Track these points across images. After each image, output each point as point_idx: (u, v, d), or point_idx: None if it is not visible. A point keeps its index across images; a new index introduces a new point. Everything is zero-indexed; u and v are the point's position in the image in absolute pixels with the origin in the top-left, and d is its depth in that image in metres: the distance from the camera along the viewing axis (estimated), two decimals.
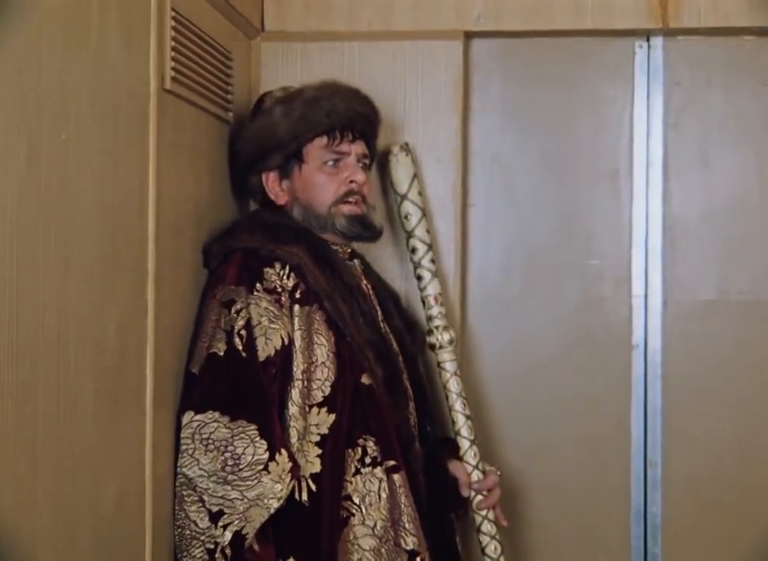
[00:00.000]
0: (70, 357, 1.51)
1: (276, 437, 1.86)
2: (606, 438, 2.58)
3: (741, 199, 2.56)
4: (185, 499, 1.86)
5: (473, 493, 2.22)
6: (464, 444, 2.25)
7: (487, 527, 2.24)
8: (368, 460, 1.97)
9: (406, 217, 2.33)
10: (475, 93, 2.60)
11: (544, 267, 2.61)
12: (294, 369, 1.94)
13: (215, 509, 1.82)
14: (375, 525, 1.95)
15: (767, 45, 2.55)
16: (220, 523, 1.81)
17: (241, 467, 1.82)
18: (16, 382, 1.35)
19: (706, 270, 2.57)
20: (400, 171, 2.35)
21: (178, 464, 1.87)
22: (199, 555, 1.83)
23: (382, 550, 1.95)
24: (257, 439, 1.84)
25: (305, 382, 1.95)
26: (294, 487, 1.88)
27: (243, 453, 1.83)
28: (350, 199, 2.10)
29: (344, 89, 2.13)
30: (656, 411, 2.57)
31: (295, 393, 1.93)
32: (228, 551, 1.81)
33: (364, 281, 2.19)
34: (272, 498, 1.82)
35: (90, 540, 1.59)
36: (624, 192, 2.59)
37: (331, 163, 2.09)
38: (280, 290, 1.95)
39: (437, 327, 2.30)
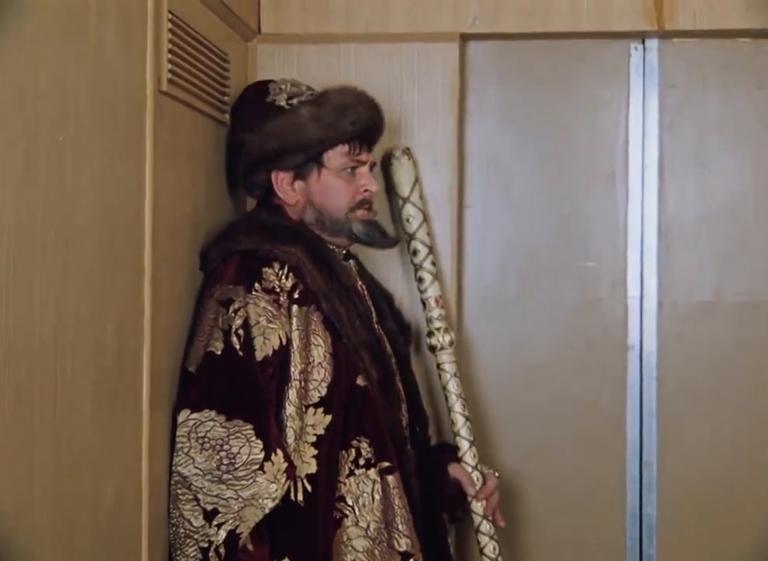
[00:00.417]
0: (67, 358, 1.51)
1: (272, 437, 1.86)
2: (602, 439, 2.59)
3: (736, 201, 2.57)
4: (180, 497, 1.86)
5: (472, 497, 2.23)
6: (464, 445, 2.27)
7: (485, 527, 2.25)
8: (361, 461, 1.97)
9: (407, 220, 2.35)
10: (471, 95, 2.60)
11: (541, 269, 2.62)
12: (292, 369, 1.94)
13: (209, 508, 1.82)
14: (369, 526, 1.95)
15: (763, 47, 2.55)
16: (215, 522, 1.82)
17: (236, 466, 1.83)
18: (13, 383, 1.35)
19: (701, 272, 2.58)
20: (402, 175, 2.37)
21: (173, 463, 1.87)
22: (192, 554, 1.83)
23: (376, 551, 1.95)
24: (253, 438, 1.84)
25: (302, 383, 1.95)
26: (289, 487, 1.88)
27: (239, 453, 1.83)
28: (364, 207, 2.14)
29: (366, 98, 2.14)
30: (651, 412, 2.57)
31: (292, 394, 1.93)
32: (222, 550, 1.81)
33: (359, 282, 2.19)
34: (266, 498, 1.83)
35: (88, 540, 1.59)
36: (620, 194, 2.59)
37: (349, 170, 2.11)
38: (278, 290, 1.95)
39: (438, 329, 2.31)
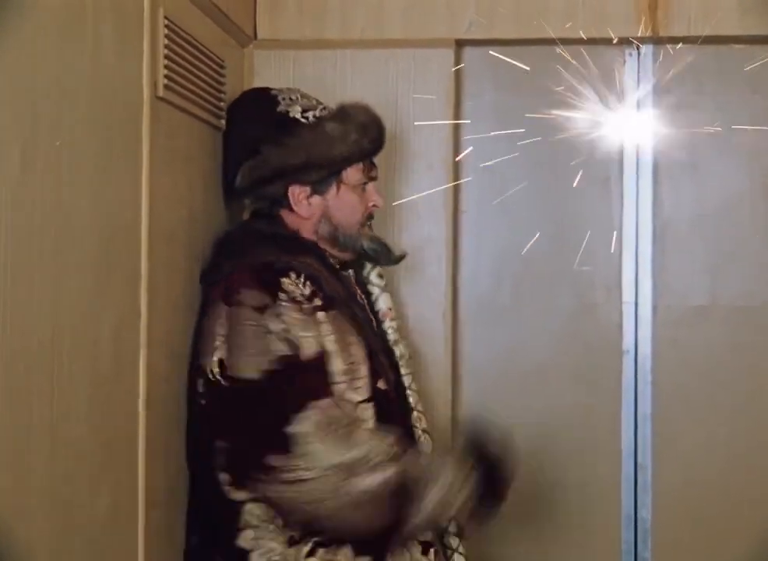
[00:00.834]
0: (64, 361, 1.51)
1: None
2: (597, 443, 2.60)
3: (730, 206, 2.58)
4: (344, 483, 1.84)
5: None
6: None
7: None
8: None
9: None
10: (467, 100, 2.61)
11: (536, 274, 2.63)
12: (333, 371, 1.93)
13: (376, 461, 1.84)
14: None
15: (757, 53, 2.56)
16: (387, 471, 1.85)
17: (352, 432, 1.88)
18: (10, 387, 1.36)
19: (696, 276, 2.59)
20: None
21: (311, 467, 1.83)
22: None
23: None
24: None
25: (349, 382, 1.95)
26: None
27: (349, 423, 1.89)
28: (369, 223, 2.17)
29: (377, 116, 2.16)
30: (646, 417, 2.58)
31: (338, 394, 1.93)
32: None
33: (359, 291, 2.20)
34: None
35: (84, 545, 1.59)
36: (614, 199, 2.60)
37: (360, 186, 2.14)
38: (300, 299, 1.94)
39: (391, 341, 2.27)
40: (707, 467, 2.58)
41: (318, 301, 1.96)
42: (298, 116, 2.13)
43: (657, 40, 2.55)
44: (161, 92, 1.87)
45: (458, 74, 2.56)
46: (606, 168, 2.61)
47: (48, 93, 1.46)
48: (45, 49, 1.45)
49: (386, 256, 2.19)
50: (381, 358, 2.06)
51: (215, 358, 1.92)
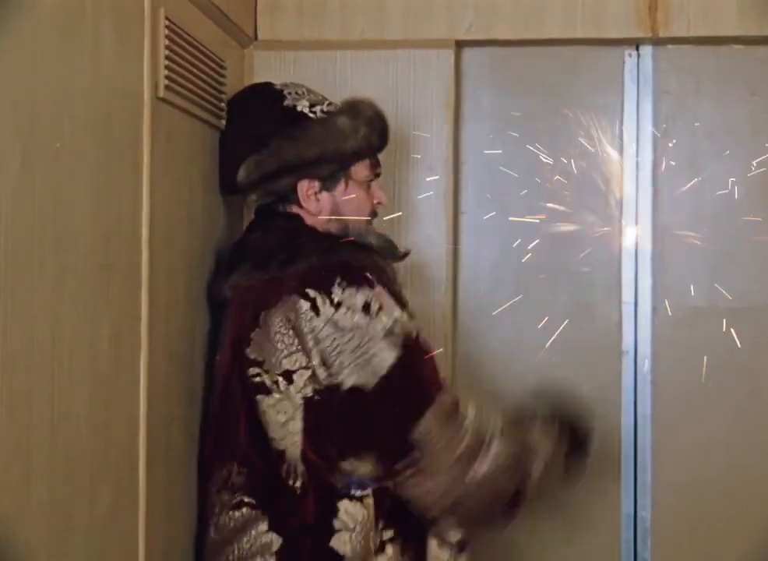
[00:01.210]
0: (64, 363, 1.51)
1: None
2: (597, 443, 2.59)
3: (729, 206, 2.58)
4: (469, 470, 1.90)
5: None
6: None
7: None
8: None
9: None
10: (466, 101, 2.62)
11: (535, 274, 2.63)
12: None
13: (487, 441, 1.92)
14: None
15: (756, 54, 2.57)
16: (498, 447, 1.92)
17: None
18: (10, 389, 1.36)
19: (695, 277, 2.59)
20: None
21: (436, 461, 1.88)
22: None
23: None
24: None
25: None
26: None
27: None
28: (372, 220, 2.16)
29: (381, 111, 2.16)
30: (645, 417, 2.58)
31: None
32: None
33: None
34: None
35: (84, 546, 1.59)
36: (614, 200, 2.60)
37: (367, 183, 2.14)
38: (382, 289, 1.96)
39: None
40: (707, 467, 2.58)
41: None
42: (306, 110, 2.12)
43: (657, 41, 2.55)
44: (162, 93, 1.87)
45: (458, 75, 2.56)
46: (606, 168, 2.61)
47: (48, 94, 1.46)
48: (45, 49, 1.45)
49: (392, 252, 2.18)
50: None
51: (315, 362, 1.91)
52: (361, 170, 2.12)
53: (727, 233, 2.59)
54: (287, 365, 1.91)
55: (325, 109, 2.13)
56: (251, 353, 1.95)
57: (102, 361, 1.65)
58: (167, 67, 1.89)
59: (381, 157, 2.18)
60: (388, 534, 1.95)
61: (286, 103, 2.13)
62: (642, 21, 2.48)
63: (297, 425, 1.92)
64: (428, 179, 2.50)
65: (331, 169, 2.08)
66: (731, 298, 2.58)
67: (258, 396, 1.94)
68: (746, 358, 2.57)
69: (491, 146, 2.63)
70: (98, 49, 1.63)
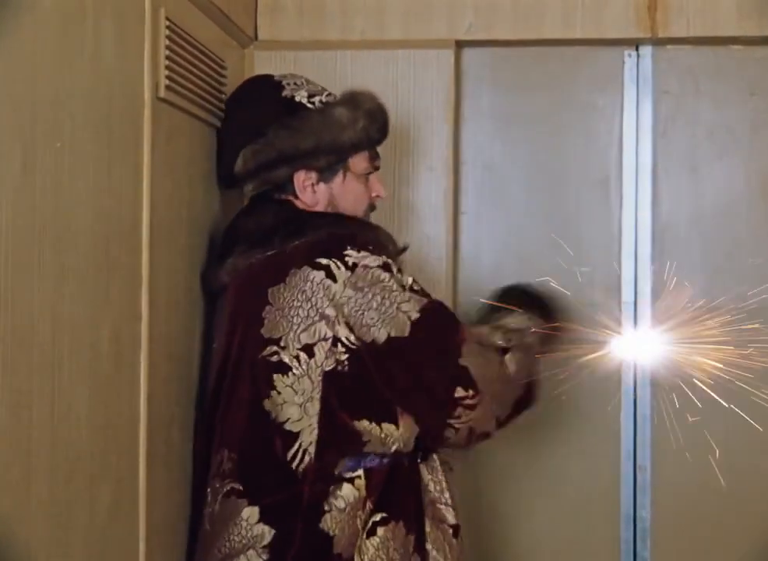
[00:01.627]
0: (64, 363, 1.52)
1: None
2: (596, 443, 2.60)
3: (729, 207, 2.58)
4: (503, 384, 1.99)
5: None
6: None
7: None
8: None
9: None
10: (466, 101, 2.62)
11: (535, 274, 2.62)
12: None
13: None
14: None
15: (755, 54, 2.57)
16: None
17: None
18: (11, 388, 1.36)
19: (694, 277, 2.58)
20: None
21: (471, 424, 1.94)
22: None
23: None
24: None
25: None
26: None
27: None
28: (370, 213, 2.15)
29: (382, 104, 2.13)
30: (645, 417, 2.59)
31: None
32: None
33: None
34: None
35: (84, 546, 1.60)
36: (613, 200, 2.61)
37: (366, 176, 2.11)
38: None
39: None
40: (706, 467, 2.57)
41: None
42: (305, 101, 2.09)
43: (656, 41, 2.56)
44: (162, 93, 1.88)
45: (458, 75, 2.56)
46: (605, 169, 2.61)
47: (49, 94, 1.47)
48: (45, 49, 1.46)
49: (390, 247, 2.13)
50: None
51: (340, 326, 1.89)
52: (359, 162, 2.09)
53: (726, 233, 2.59)
54: (305, 338, 1.88)
55: (324, 100, 2.10)
56: (266, 332, 1.91)
57: (102, 361, 1.65)
58: (167, 67, 1.89)
59: (381, 155, 2.18)
60: (378, 516, 1.93)
61: (284, 93, 2.10)
62: (642, 21, 2.48)
63: (315, 406, 1.89)
64: (427, 179, 2.50)
65: (328, 160, 2.06)
66: (729, 298, 2.58)
67: (275, 376, 1.90)
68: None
69: (491, 146, 2.64)
70: (98, 49, 1.63)
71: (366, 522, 1.92)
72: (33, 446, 1.43)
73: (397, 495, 1.95)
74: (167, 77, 1.89)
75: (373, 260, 1.90)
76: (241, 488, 1.92)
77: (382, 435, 1.92)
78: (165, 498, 1.93)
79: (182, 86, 1.99)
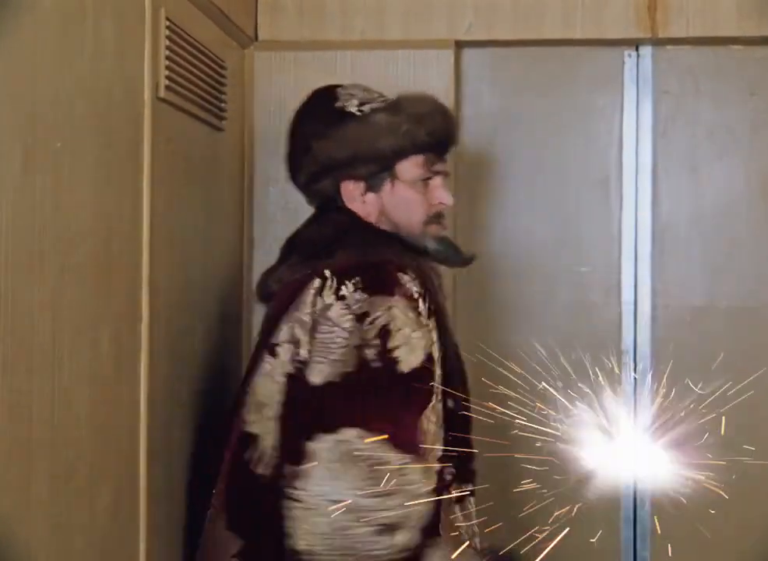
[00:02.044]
0: (64, 363, 1.51)
1: (415, 442, 1.77)
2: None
3: (729, 207, 2.59)
4: (349, 526, 1.73)
5: None
6: None
7: None
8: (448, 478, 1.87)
9: None
10: (466, 101, 2.62)
11: (535, 274, 2.63)
12: (435, 385, 1.81)
13: (388, 522, 1.72)
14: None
15: (755, 54, 2.57)
16: (398, 534, 1.74)
17: (384, 475, 1.69)
18: (11, 389, 1.36)
19: (694, 277, 2.59)
20: None
21: (320, 493, 1.73)
22: None
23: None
24: (391, 449, 1.73)
25: (440, 398, 1.85)
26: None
27: (386, 463, 1.71)
28: (438, 221, 2.01)
29: (441, 107, 2.02)
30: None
31: (435, 410, 1.82)
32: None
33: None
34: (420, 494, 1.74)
35: (85, 546, 1.60)
36: (613, 200, 2.61)
37: (422, 181, 1.98)
38: (416, 297, 1.83)
39: None
40: (705, 466, 2.58)
41: (429, 305, 1.85)
42: (354, 110, 1.98)
43: (656, 42, 2.56)
44: (162, 93, 1.88)
45: (458, 75, 2.56)
46: (605, 169, 2.61)
47: (49, 95, 1.47)
48: (45, 49, 1.45)
49: (454, 258, 2.05)
50: (455, 375, 1.92)
51: (302, 337, 1.82)
52: (410, 168, 1.97)
53: (726, 233, 2.59)
54: (275, 338, 1.84)
55: (374, 107, 1.99)
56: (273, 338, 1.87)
57: (102, 361, 1.65)
58: (167, 67, 1.89)
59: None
60: None
61: (337, 104, 2.01)
62: (642, 21, 2.49)
63: (272, 410, 1.82)
64: None
65: (369, 169, 1.96)
66: (729, 298, 2.58)
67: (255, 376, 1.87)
68: (744, 357, 2.57)
69: (491, 146, 2.64)
70: (99, 49, 1.63)
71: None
72: (33, 446, 1.43)
73: None
74: (167, 77, 1.89)
75: (362, 306, 1.78)
76: (215, 499, 1.89)
77: None
78: (165, 498, 1.93)
79: (182, 87, 1.99)
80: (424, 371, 1.79)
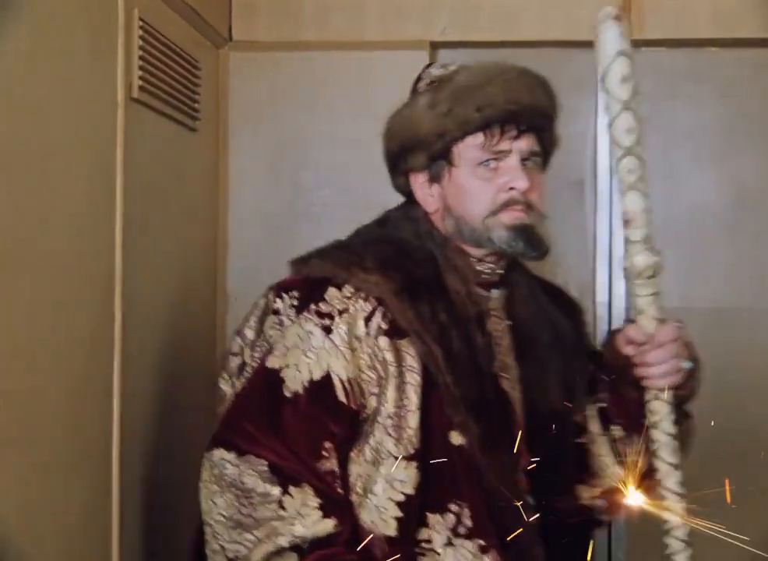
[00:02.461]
0: (38, 361, 1.51)
1: (292, 471, 1.52)
2: None
3: (703, 209, 2.60)
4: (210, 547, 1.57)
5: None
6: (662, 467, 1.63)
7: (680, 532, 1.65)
8: (462, 530, 1.57)
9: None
10: None
11: None
12: (382, 409, 1.55)
13: (231, 555, 1.52)
14: None
15: (730, 57, 2.59)
16: None
17: (254, 506, 1.51)
18: None
19: (668, 278, 2.58)
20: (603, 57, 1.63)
21: (204, 510, 1.56)
22: None
23: None
24: (267, 474, 1.52)
25: (395, 429, 1.55)
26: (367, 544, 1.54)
27: (253, 490, 1.51)
28: (513, 208, 1.67)
29: (505, 74, 1.71)
30: None
31: (376, 437, 1.56)
32: None
33: (497, 316, 1.75)
34: (282, 535, 1.50)
35: (57, 544, 1.59)
36: (588, 202, 2.62)
37: (487, 164, 1.65)
38: (334, 315, 1.58)
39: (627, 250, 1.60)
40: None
41: (384, 326, 1.58)
42: (421, 90, 1.74)
43: (631, 44, 2.56)
44: (136, 93, 1.88)
45: None
46: (580, 171, 2.62)
47: (21, 95, 1.46)
48: (18, 49, 1.45)
49: (528, 252, 1.73)
50: (461, 405, 1.58)
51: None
52: (465, 151, 1.65)
53: (701, 234, 2.60)
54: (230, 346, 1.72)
55: (428, 85, 1.74)
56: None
57: (76, 361, 1.65)
58: (141, 68, 1.89)
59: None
60: None
61: (417, 86, 1.77)
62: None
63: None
64: None
65: (418, 159, 1.69)
66: (703, 300, 2.59)
67: None
68: (717, 358, 2.59)
69: None
70: (71, 49, 1.63)
71: None
72: (3, 447, 1.42)
73: None
74: (141, 78, 1.89)
75: (282, 324, 1.61)
76: None
77: None
78: (139, 499, 1.92)
79: (156, 87, 1.98)
80: (321, 396, 1.55)
